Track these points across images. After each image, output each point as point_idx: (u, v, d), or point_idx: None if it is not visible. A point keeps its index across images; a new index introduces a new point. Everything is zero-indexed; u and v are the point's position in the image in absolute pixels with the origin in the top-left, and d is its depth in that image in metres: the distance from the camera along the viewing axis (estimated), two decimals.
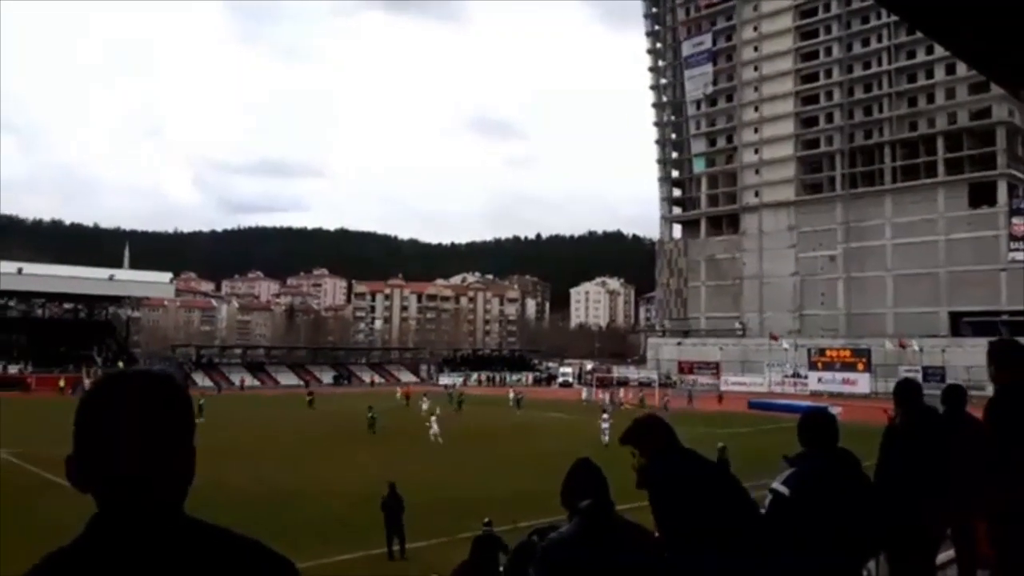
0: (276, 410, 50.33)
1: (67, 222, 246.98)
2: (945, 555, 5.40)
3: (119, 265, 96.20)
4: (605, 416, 33.60)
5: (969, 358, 58.37)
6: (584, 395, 61.93)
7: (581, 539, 3.15)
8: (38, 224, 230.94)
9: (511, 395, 57.13)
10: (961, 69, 74.38)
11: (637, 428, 3.49)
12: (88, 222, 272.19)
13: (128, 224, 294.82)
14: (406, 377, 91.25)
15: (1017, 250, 75.41)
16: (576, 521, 3.22)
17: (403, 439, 35.20)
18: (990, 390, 4.23)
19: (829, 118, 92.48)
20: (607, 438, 29.96)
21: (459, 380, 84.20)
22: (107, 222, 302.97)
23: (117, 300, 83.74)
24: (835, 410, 33.30)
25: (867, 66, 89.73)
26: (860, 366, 71.65)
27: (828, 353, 75.80)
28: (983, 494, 4.64)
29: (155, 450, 1.22)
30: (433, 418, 35.34)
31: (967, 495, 4.84)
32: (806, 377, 74.14)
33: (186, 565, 1.19)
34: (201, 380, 74.19)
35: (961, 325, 76.06)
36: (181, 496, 1.26)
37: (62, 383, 62.23)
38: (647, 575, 3.15)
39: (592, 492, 3.27)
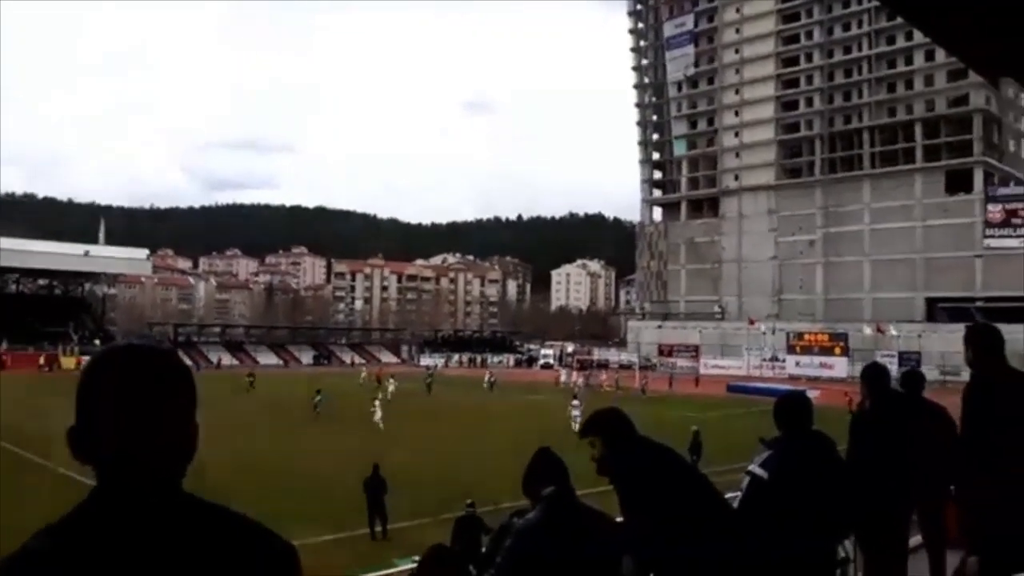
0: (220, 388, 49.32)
1: (40, 196, 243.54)
2: (916, 539, 5.50)
3: (94, 241, 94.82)
4: (575, 403, 32.50)
5: (944, 343, 59.30)
6: (563, 377, 61.18)
7: (544, 526, 3.23)
8: (10, 197, 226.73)
9: (487, 377, 56.62)
10: (940, 56, 74.76)
11: (595, 420, 3.63)
12: (62, 196, 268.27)
13: (103, 199, 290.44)
14: (387, 357, 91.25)
15: (992, 236, 76.44)
16: (539, 508, 3.31)
17: (346, 422, 33.54)
18: (965, 375, 4.30)
19: (809, 102, 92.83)
20: (577, 425, 29.30)
21: (440, 361, 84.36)
22: (81, 197, 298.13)
23: (93, 276, 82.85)
24: (812, 393, 33.74)
25: (847, 51, 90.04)
26: (837, 350, 72.49)
27: (806, 337, 76.60)
28: (948, 478, 4.74)
29: (157, 424, 1.22)
30: (377, 402, 33.63)
31: (929, 479, 4.95)
32: (784, 361, 74.92)
33: (185, 541, 1.19)
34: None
35: (937, 311, 77.06)
36: (181, 471, 1.26)
37: (41, 360, 61.59)
38: (608, 558, 3.23)
39: (553, 480, 3.38)
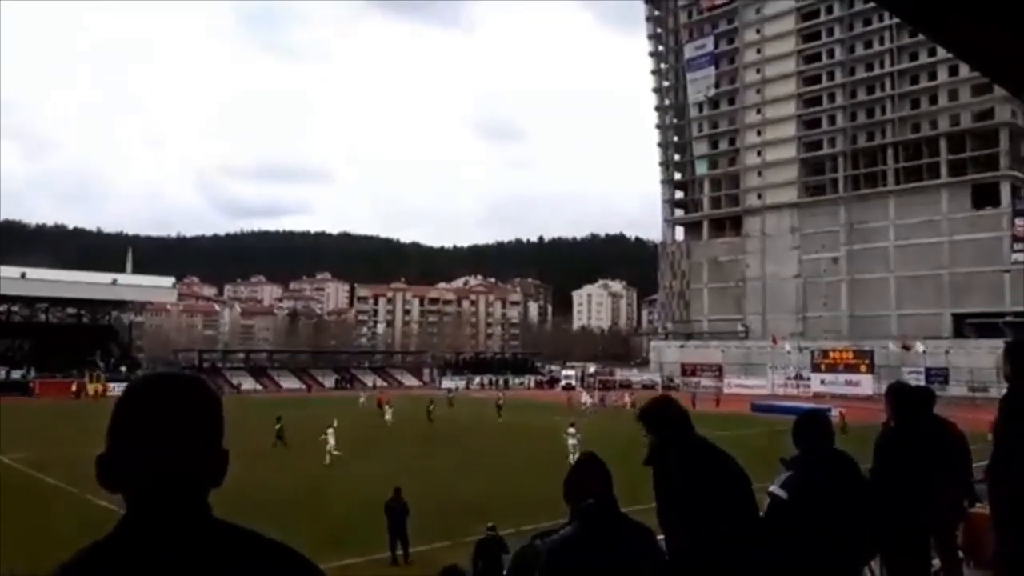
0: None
1: (70, 227, 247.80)
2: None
3: (122, 270, 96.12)
4: (572, 431, 28.93)
5: (972, 360, 58.47)
6: (583, 398, 58.75)
7: (582, 540, 3.13)
8: (41, 228, 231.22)
9: (497, 400, 52.83)
10: (964, 71, 74.31)
11: (647, 409, 3.56)
12: (91, 226, 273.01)
13: (131, 228, 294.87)
14: (409, 380, 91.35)
15: (1020, 251, 75.24)
16: (577, 522, 3.20)
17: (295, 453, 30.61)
18: (994, 391, 4.23)
19: (832, 120, 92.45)
20: (574, 454, 25.55)
21: (462, 383, 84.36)
22: (110, 227, 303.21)
23: (120, 305, 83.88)
24: (837, 412, 33.16)
25: (869, 68, 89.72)
26: (863, 368, 71.50)
27: (831, 355, 75.66)
28: (963, 498, 4.65)
29: (188, 451, 1.25)
30: (330, 430, 29.86)
31: (947, 499, 4.85)
32: (809, 379, 74.03)
33: (215, 564, 1.20)
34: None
35: (964, 327, 75.92)
36: (206, 496, 1.29)
37: (74, 388, 62.18)
38: (648, 574, 3.13)
39: (596, 489, 3.25)
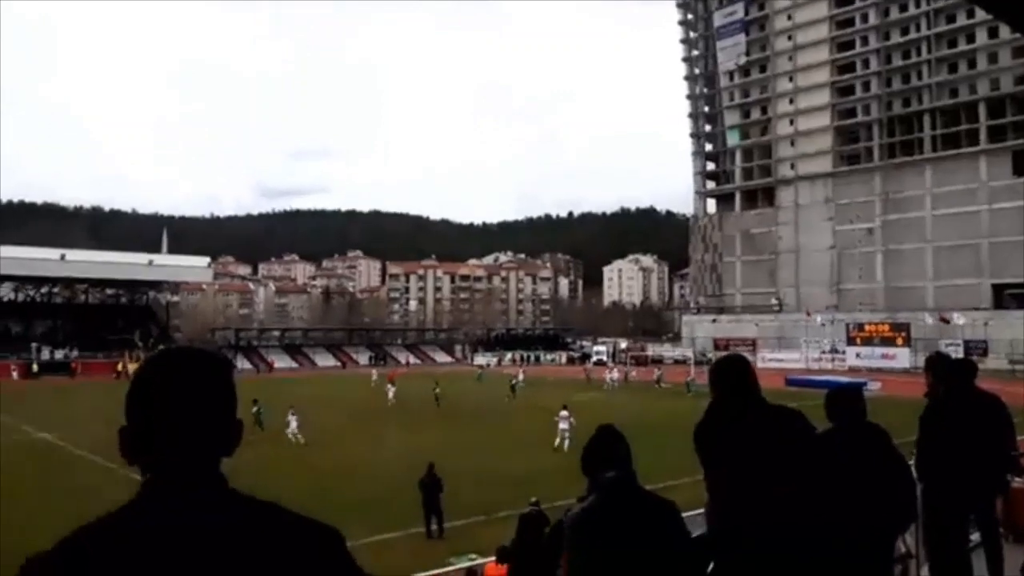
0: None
1: (106, 208, 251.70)
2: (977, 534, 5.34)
3: (158, 250, 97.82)
4: (564, 414, 26.23)
5: (1013, 331, 57.33)
6: (606, 376, 55.52)
7: (603, 512, 3.13)
8: (79, 210, 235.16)
9: (519, 376, 51.39)
10: (1004, 33, 72.18)
11: (714, 368, 3.60)
12: (127, 208, 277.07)
13: (165, 209, 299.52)
14: (441, 357, 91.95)
15: None
16: (596, 494, 3.20)
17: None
18: None
19: (866, 87, 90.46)
20: (564, 442, 24.92)
21: (494, 360, 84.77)
22: (145, 208, 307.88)
23: (156, 285, 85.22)
24: (874, 385, 32.78)
25: (905, 32, 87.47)
26: (899, 341, 70.43)
27: (867, 328, 74.57)
28: (1004, 470, 4.57)
29: (204, 423, 1.33)
30: (291, 414, 28.22)
31: (987, 472, 4.78)
32: (844, 352, 73.13)
33: (235, 535, 1.24)
34: (240, 363, 75.33)
35: (1004, 297, 74.40)
36: (219, 464, 1.36)
37: (120, 367, 63.38)
38: (668, 548, 3.12)
39: (614, 462, 3.24)
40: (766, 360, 76.17)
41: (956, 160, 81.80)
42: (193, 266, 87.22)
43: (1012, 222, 76.31)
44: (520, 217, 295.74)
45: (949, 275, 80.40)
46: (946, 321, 68.88)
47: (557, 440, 25.49)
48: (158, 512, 1.25)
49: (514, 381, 47.72)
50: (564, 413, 26.30)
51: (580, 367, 72.00)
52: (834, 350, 73.94)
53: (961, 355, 63.46)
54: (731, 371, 3.48)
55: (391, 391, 41.14)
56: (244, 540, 1.24)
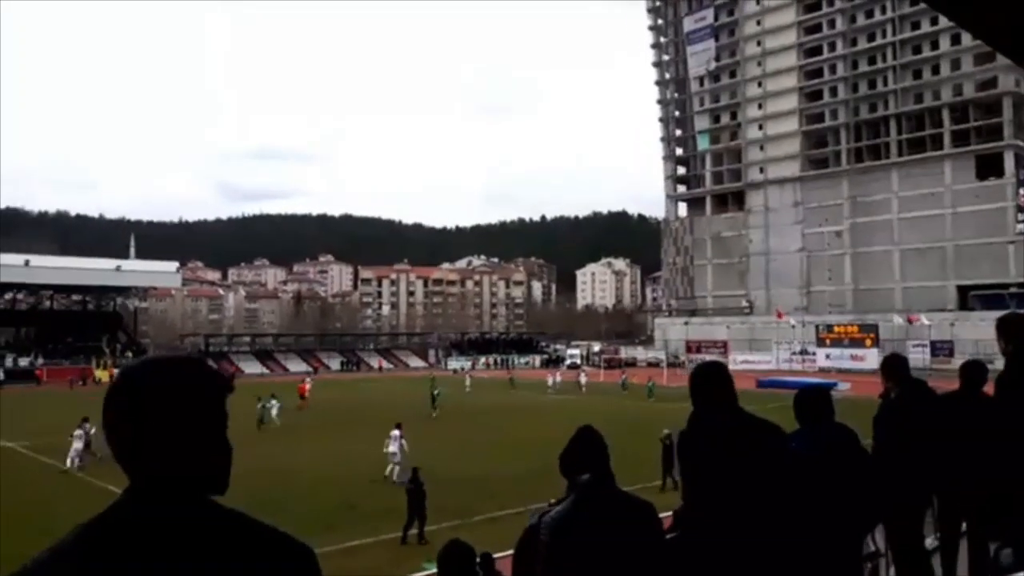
0: None
1: (72, 213, 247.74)
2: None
3: (125, 256, 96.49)
4: (395, 434, 22.35)
5: (978, 331, 58.22)
6: (549, 379, 54.62)
7: (579, 515, 3.12)
8: (43, 216, 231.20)
9: (467, 381, 52.66)
10: (966, 40, 73.58)
11: (691, 375, 3.53)
12: (93, 213, 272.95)
13: (133, 214, 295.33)
14: (415, 362, 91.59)
15: None
16: (573, 497, 3.19)
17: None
18: (999, 364, 4.21)
19: (834, 92, 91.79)
20: (393, 470, 21.51)
21: (467, 364, 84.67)
22: (112, 213, 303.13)
23: (124, 291, 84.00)
24: (844, 386, 33.17)
25: (871, 38, 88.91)
26: (868, 342, 71.43)
27: (836, 329, 75.60)
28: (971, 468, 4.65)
29: (181, 440, 1.26)
30: (273, 401, 28.97)
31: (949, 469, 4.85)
32: (814, 354, 74.00)
33: (203, 545, 1.22)
34: None
35: (969, 299, 75.79)
36: (209, 480, 1.29)
37: (79, 375, 62.19)
38: (644, 551, 3.12)
39: (592, 463, 3.23)
40: (737, 362, 76.85)
41: (921, 164, 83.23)
42: (161, 271, 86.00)
43: (975, 225, 77.86)
44: (493, 221, 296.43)
45: (916, 277, 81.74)
46: (913, 322, 70.05)
47: (388, 468, 21.57)
48: (135, 520, 1.22)
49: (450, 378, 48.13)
50: (396, 433, 22.25)
51: (547, 371, 71.62)
52: (804, 351, 74.81)
53: (928, 355, 64.11)
54: (705, 381, 3.48)
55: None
56: (218, 552, 1.21)
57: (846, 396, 34.55)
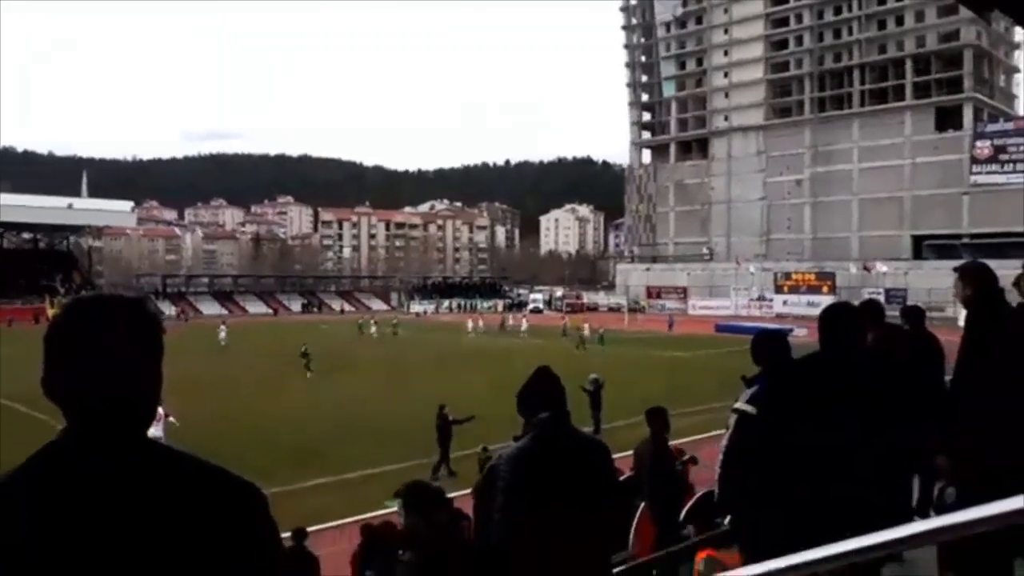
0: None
1: (19, 149, 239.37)
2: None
3: (77, 194, 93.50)
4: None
5: (930, 280, 59.76)
6: (471, 325, 57.10)
7: (537, 452, 3.18)
8: None
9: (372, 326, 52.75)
10: None
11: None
12: (42, 149, 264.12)
13: (84, 152, 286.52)
14: (376, 305, 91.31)
15: (979, 173, 76.35)
16: (531, 435, 3.24)
17: None
18: (950, 311, 4.33)
19: (799, 41, 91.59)
20: None
21: (431, 307, 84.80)
22: (62, 149, 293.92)
23: (77, 229, 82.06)
24: (800, 332, 34.00)
25: None
26: (825, 289, 72.75)
27: (794, 276, 76.92)
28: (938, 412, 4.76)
29: (122, 373, 1.24)
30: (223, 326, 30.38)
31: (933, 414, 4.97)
32: (772, 300, 75.31)
33: (149, 486, 1.19)
34: (167, 309, 73.41)
35: (924, 248, 77.41)
36: (146, 419, 1.29)
37: (52, 313, 60.81)
38: (598, 485, 3.20)
39: (549, 402, 3.28)
40: (696, 307, 78.15)
41: (883, 115, 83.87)
42: (115, 210, 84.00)
43: (933, 176, 79.10)
44: (456, 165, 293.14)
45: (873, 226, 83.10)
46: (869, 270, 71.50)
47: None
48: (71, 460, 1.19)
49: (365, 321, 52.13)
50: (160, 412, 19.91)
51: (510, 314, 71.94)
52: (762, 298, 76.11)
53: (883, 303, 66.12)
54: (836, 320, 3.68)
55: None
56: (158, 491, 1.19)
57: (802, 341, 35.34)
